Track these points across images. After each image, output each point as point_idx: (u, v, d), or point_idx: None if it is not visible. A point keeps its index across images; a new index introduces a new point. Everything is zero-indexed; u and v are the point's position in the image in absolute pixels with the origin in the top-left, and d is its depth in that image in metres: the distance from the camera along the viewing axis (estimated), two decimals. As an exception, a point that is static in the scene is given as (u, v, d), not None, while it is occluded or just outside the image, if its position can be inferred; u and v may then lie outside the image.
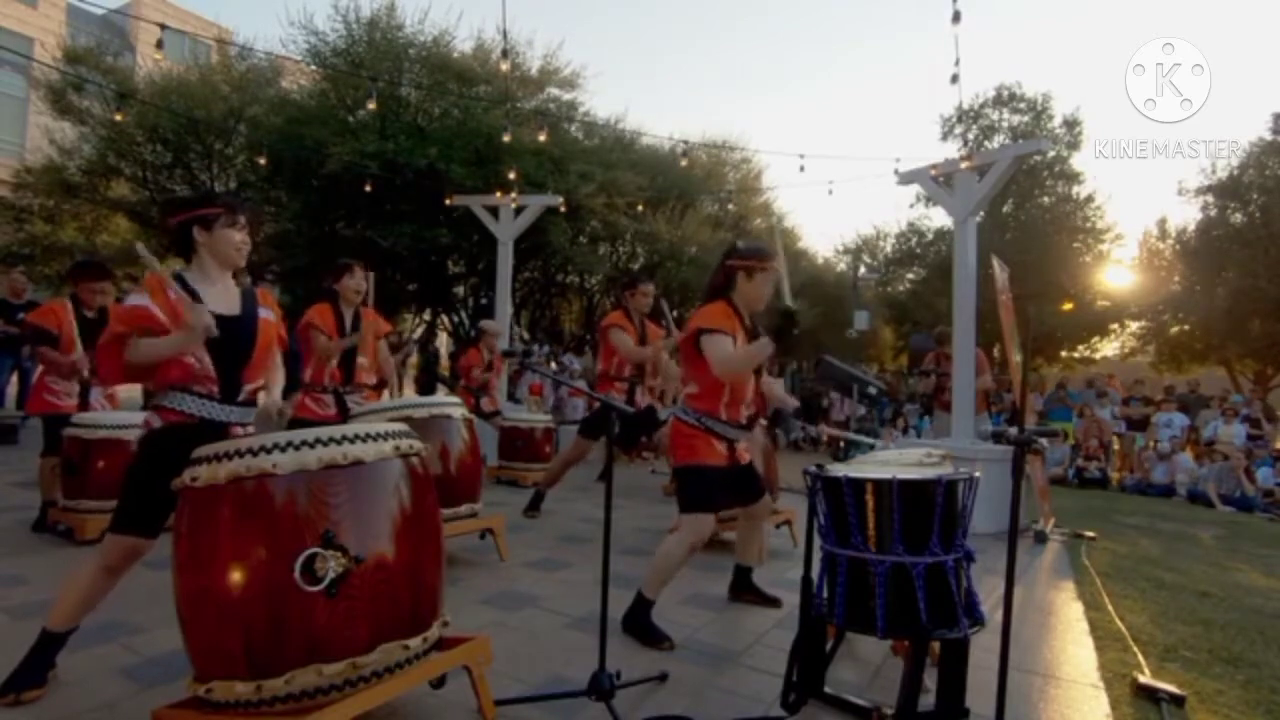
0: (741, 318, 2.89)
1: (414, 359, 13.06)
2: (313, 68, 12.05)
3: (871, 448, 6.74)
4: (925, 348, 9.48)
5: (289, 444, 1.77)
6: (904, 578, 1.97)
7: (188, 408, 2.14)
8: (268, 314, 2.33)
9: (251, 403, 2.28)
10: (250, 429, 2.26)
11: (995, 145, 16.91)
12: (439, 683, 2.08)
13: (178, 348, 2.08)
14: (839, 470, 2.12)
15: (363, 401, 4.23)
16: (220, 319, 2.13)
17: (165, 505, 2.01)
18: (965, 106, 17.63)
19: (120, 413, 4.23)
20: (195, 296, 2.13)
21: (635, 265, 14.53)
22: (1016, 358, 6.16)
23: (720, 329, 2.76)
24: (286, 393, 2.42)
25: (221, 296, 2.23)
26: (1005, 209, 17.86)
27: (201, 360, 2.14)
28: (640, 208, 12.17)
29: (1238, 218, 16.50)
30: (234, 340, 2.19)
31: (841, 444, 11.89)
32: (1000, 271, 6.03)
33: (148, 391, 3.16)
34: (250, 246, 2.26)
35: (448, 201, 9.07)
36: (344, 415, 4.05)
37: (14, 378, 8.45)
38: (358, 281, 4.11)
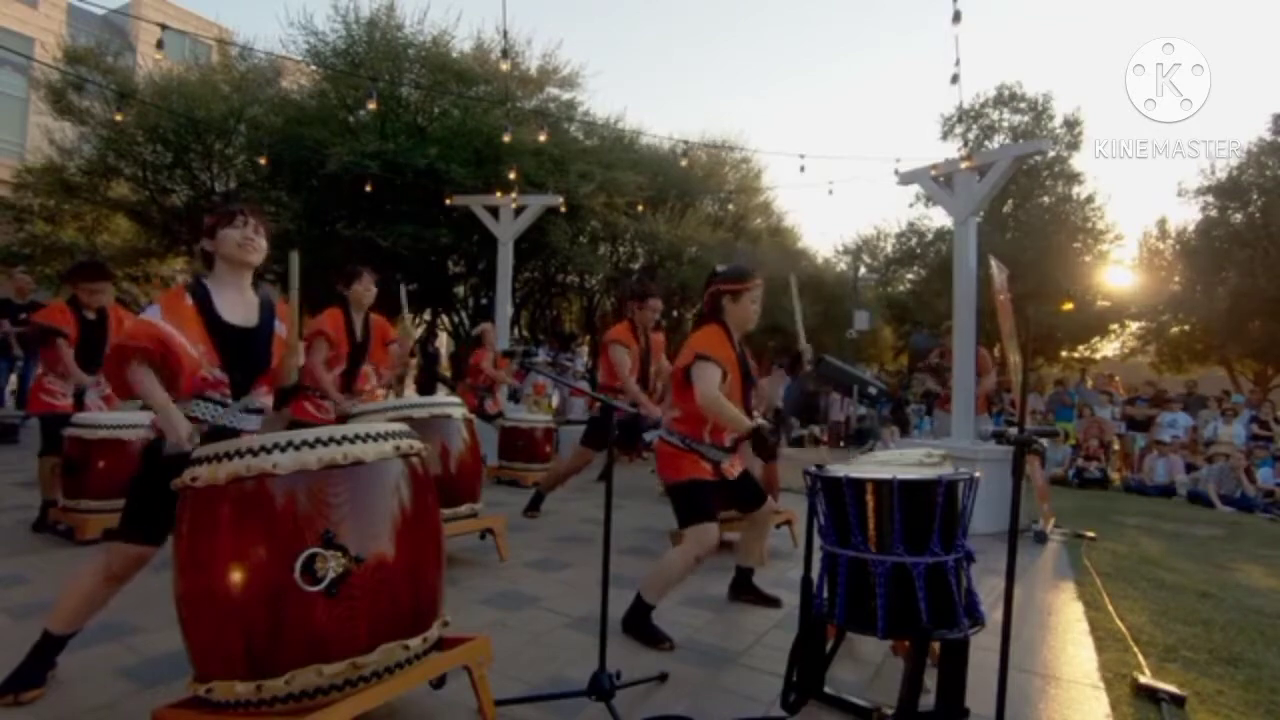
0: (734, 341, 2.96)
1: (414, 359, 13.06)
2: (313, 68, 12.04)
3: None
4: (926, 347, 9.47)
5: (289, 444, 1.77)
6: (904, 578, 1.97)
7: (199, 414, 2.15)
8: (282, 327, 2.33)
9: (262, 409, 2.28)
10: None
11: (995, 145, 16.92)
12: (439, 683, 2.09)
13: (160, 409, 2.03)
14: (839, 470, 2.12)
15: (362, 403, 4.21)
16: (237, 330, 2.18)
17: (171, 512, 1.96)
18: (965, 106, 17.67)
19: (120, 413, 4.22)
20: (210, 302, 2.18)
21: (635, 265, 14.54)
22: (1014, 358, 6.15)
23: (714, 358, 2.80)
24: (289, 395, 2.41)
25: (239, 306, 2.25)
26: (1005, 209, 17.87)
27: (213, 374, 2.16)
28: (640, 208, 12.17)
29: (1238, 218, 16.51)
30: (249, 352, 2.22)
31: (841, 444, 11.91)
32: (998, 272, 6.01)
33: None
34: (255, 243, 2.24)
35: (448, 201, 9.08)
36: (343, 421, 4.03)
37: (13, 377, 8.46)
38: (366, 286, 4.09)
